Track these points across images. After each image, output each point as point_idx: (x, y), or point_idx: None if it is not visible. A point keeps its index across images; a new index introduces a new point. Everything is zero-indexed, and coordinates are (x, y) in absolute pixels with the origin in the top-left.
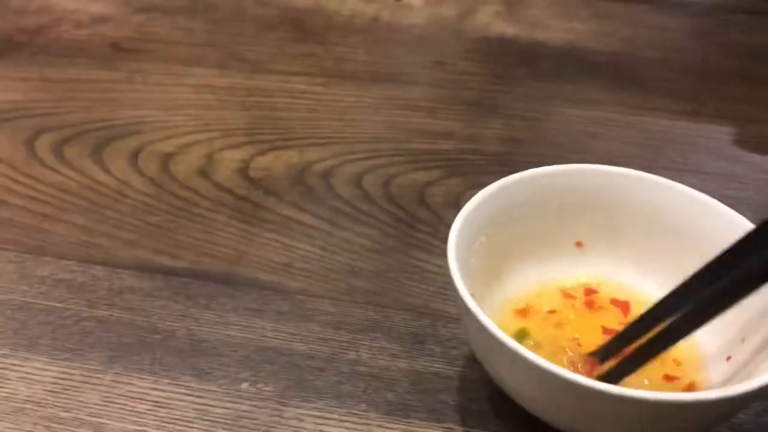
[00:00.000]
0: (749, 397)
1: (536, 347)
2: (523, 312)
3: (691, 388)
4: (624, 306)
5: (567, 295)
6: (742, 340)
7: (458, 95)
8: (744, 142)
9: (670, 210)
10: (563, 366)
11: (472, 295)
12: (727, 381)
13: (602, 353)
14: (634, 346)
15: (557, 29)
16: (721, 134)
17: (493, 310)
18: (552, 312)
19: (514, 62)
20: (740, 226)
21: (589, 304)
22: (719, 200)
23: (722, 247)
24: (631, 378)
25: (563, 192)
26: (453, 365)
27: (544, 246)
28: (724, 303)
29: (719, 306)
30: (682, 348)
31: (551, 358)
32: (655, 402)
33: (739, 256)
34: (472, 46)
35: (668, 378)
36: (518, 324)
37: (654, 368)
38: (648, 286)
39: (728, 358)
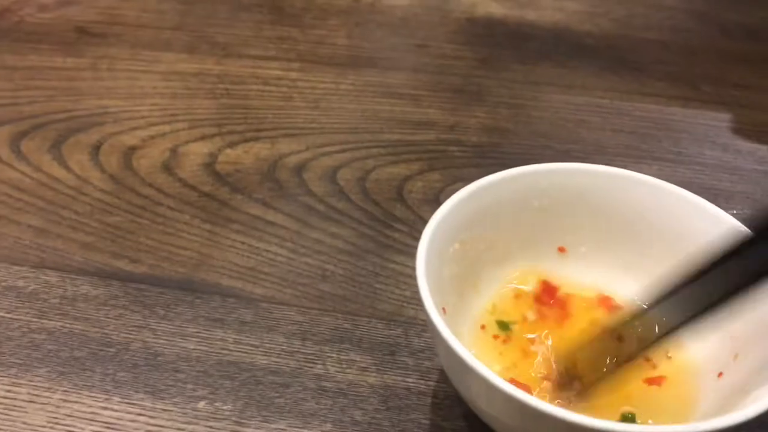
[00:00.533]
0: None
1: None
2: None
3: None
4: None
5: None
6: (735, 357)
7: (441, 81)
8: (741, 129)
9: (658, 212)
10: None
11: (444, 309)
12: (718, 401)
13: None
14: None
15: (547, 8)
16: (717, 121)
17: (468, 323)
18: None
19: (501, 45)
20: (731, 227)
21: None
22: (713, 194)
23: (712, 249)
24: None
25: (543, 193)
26: (426, 379)
27: (524, 252)
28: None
29: (709, 309)
30: (673, 360)
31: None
32: None
33: (732, 260)
34: (457, 27)
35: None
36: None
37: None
38: (635, 292)
39: (720, 374)
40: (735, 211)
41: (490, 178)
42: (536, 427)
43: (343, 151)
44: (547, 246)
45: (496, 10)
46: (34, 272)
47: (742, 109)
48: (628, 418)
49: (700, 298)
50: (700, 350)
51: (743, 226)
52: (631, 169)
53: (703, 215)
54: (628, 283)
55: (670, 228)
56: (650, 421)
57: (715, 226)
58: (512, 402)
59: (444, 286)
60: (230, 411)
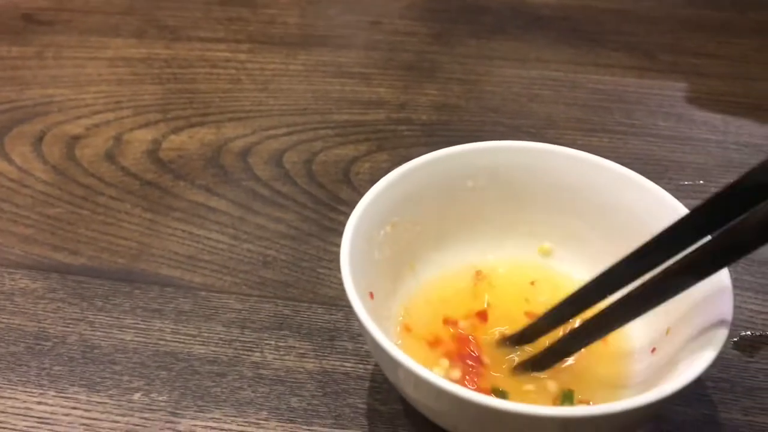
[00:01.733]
0: (658, 404)
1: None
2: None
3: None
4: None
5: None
6: (668, 331)
7: (394, 58)
8: (696, 99)
9: (593, 187)
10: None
11: (371, 294)
12: (650, 376)
13: (517, 338)
14: (560, 332)
15: None
16: (673, 90)
17: (403, 306)
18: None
19: (456, 19)
20: (669, 205)
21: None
22: (664, 165)
23: (652, 225)
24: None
25: (476, 173)
26: (365, 362)
27: (462, 233)
28: (662, 294)
29: (658, 296)
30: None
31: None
32: (560, 418)
33: (675, 241)
34: (412, 2)
35: None
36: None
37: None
38: (575, 268)
39: (653, 349)
40: (685, 182)
41: (419, 160)
42: (459, 413)
43: (291, 133)
44: (485, 226)
45: None
46: None
47: (699, 78)
48: (567, 396)
49: (651, 287)
50: (636, 325)
51: (673, 199)
52: (582, 142)
53: (637, 189)
54: (566, 260)
55: (605, 203)
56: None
57: (649, 198)
58: (430, 390)
59: (374, 271)
60: (166, 402)
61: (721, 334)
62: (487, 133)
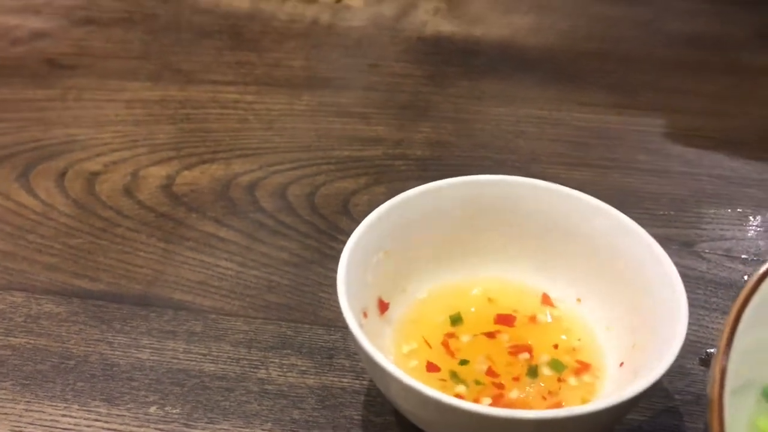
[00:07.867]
0: (608, 412)
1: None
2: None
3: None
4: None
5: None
6: (633, 346)
7: (391, 99)
8: (672, 134)
9: (567, 217)
10: None
11: (365, 313)
12: (617, 386)
13: None
14: None
15: (495, 24)
16: (651, 127)
17: (392, 327)
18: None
19: (448, 61)
20: (632, 231)
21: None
22: (640, 196)
23: (617, 250)
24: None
25: (464, 204)
26: (361, 379)
27: (453, 259)
28: None
29: None
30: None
31: None
32: (534, 420)
33: None
34: (408, 46)
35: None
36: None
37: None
38: (552, 287)
39: (621, 363)
40: (660, 212)
41: (409, 193)
42: (443, 420)
43: (295, 168)
44: (475, 253)
45: (445, 27)
46: (1, 294)
47: (675, 115)
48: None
49: None
50: (606, 343)
51: (635, 224)
52: (565, 176)
53: (604, 216)
54: (542, 281)
55: (575, 230)
56: None
57: (617, 226)
58: (417, 397)
59: (368, 293)
60: (179, 414)
61: (674, 349)
62: (476, 167)
